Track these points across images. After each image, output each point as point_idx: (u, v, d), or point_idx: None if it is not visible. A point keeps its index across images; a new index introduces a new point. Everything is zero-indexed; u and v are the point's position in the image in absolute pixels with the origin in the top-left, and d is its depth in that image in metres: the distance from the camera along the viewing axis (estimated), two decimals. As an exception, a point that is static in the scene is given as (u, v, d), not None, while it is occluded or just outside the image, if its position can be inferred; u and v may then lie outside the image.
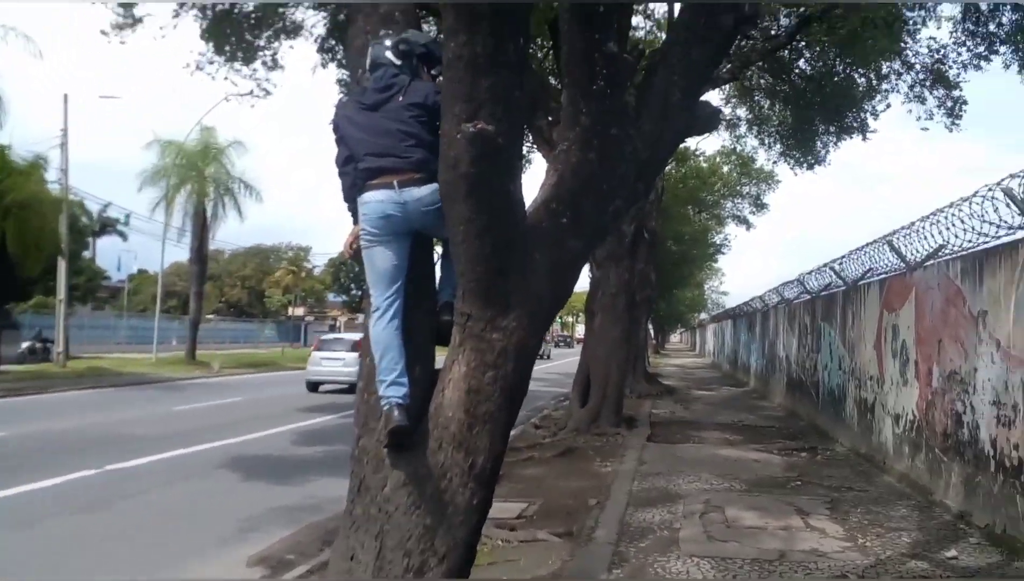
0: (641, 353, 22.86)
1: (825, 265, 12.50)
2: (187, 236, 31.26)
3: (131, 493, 7.87)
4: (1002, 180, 5.86)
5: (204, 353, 31.52)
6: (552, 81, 12.81)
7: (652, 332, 41.66)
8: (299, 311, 65.14)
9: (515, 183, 2.94)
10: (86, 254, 38.59)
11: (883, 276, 9.44)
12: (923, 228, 7.64)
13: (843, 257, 11.33)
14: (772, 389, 18.24)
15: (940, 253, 7.55)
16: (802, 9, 12.75)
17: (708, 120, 3.75)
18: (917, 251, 8.03)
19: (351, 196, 3.20)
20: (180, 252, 35.77)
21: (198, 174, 29.91)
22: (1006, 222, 5.85)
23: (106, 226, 40.01)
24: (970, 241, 6.56)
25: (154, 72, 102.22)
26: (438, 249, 3.42)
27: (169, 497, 7.85)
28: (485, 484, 2.97)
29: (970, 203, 6.32)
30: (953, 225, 6.95)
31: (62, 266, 24.86)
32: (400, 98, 3.08)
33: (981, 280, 6.39)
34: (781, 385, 16.91)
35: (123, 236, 41.72)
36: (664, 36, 15.22)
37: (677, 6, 14.50)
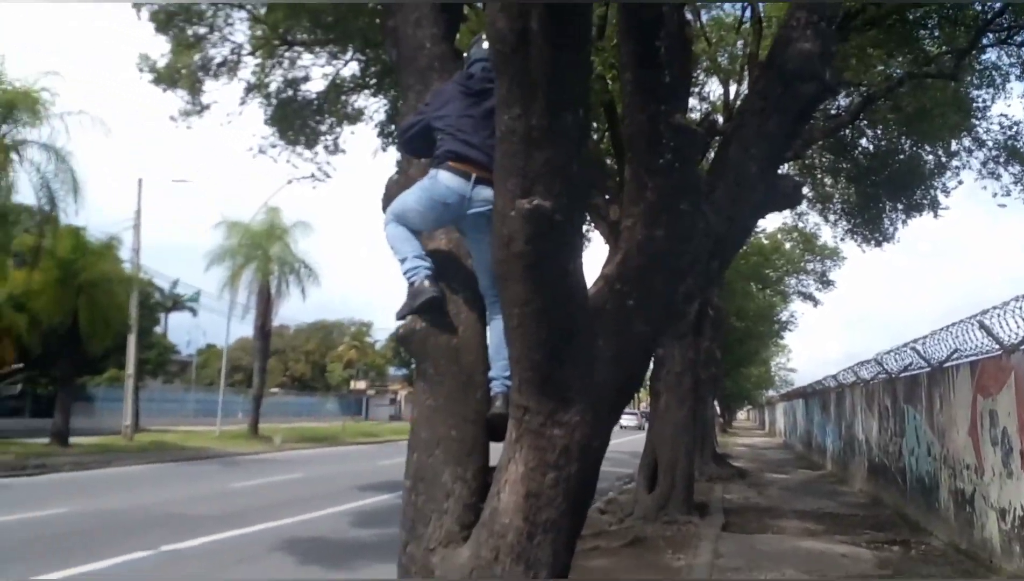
0: (709, 433, 21.96)
1: (905, 345, 11.83)
2: (252, 313, 31.93)
3: (183, 578, 7.64)
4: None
5: (267, 426, 31.75)
6: (609, 162, 12.69)
7: (719, 410, 40.32)
8: (361, 385, 65.62)
9: (575, 262, 2.68)
10: (158, 330, 39.85)
11: (974, 358, 8.77)
12: (1020, 307, 7.08)
13: (925, 337, 10.70)
14: (852, 473, 17.16)
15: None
16: (865, 88, 12.40)
17: (791, 195, 3.47)
18: (1013, 332, 7.42)
19: (412, 149, 3.35)
20: (247, 328, 36.48)
21: (263, 254, 30.75)
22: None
23: (177, 303, 41.32)
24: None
25: (221, 155, 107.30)
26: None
27: (221, 583, 7.59)
28: (547, 604, 2.62)
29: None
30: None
31: (131, 341, 25.59)
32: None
33: (1097, 364, 5.78)
34: (862, 469, 15.88)
35: (194, 312, 43.06)
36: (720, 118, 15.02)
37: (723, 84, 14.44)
